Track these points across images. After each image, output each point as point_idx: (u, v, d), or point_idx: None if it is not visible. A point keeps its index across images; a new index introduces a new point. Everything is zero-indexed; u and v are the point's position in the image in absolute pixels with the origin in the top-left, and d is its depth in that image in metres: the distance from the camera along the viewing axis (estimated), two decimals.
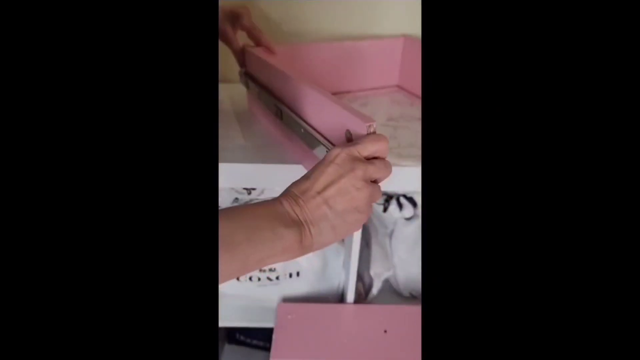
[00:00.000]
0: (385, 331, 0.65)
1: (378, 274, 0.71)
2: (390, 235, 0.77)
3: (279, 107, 0.51)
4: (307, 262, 0.72)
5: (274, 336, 0.64)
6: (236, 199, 0.73)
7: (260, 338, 1.02)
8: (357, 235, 0.63)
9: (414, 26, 0.78)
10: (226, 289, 0.74)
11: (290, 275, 0.72)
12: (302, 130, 0.46)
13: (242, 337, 1.03)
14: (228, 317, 0.75)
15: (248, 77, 0.61)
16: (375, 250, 0.73)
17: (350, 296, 0.70)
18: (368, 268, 0.73)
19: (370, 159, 0.35)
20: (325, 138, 0.43)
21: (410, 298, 0.78)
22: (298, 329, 0.66)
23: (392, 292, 0.79)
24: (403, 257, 0.76)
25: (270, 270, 0.71)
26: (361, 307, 0.71)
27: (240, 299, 0.75)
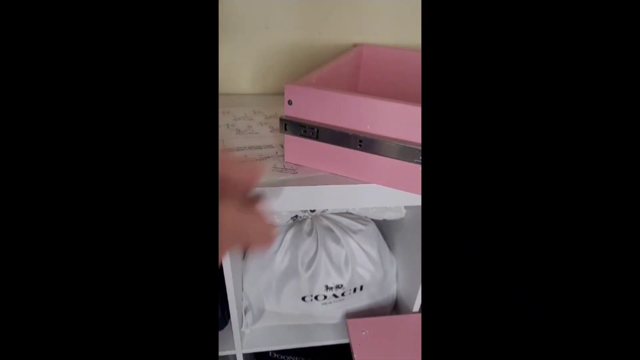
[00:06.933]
0: None
1: None
2: None
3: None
4: (371, 276, 0.72)
5: (353, 355, 0.64)
6: None
7: (294, 354, 1.00)
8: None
9: None
10: (289, 309, 0.72)
11: (355, 290, 0.72)
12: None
13: (275, 355, 1.00)
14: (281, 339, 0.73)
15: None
16: None
17: (417, 306, 0.71)
18: None
19: None
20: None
21: None
22: (376, 343, 0.66)
23: None
24: None
25: (337, 287, 0.70)
26: None
27: (301, 319, 0.74)
